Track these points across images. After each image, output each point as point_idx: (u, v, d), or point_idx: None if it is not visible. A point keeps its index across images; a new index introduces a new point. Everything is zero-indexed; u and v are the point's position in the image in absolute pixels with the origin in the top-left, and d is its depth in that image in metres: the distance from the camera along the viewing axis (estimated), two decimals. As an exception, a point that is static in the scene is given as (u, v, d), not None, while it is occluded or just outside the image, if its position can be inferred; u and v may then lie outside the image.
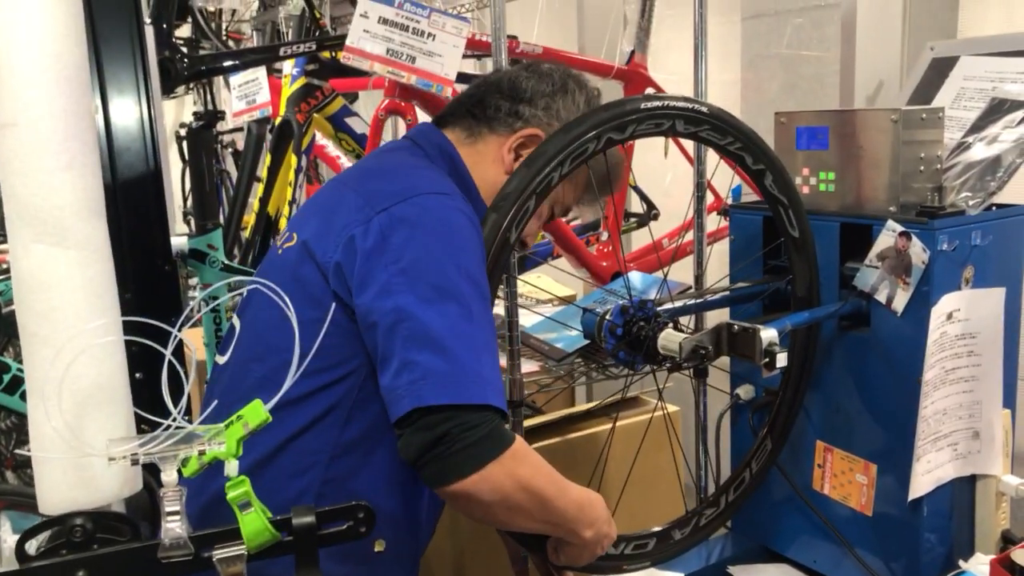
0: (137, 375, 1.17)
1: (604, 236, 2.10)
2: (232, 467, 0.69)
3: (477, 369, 1.01)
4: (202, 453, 0.68)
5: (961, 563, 1.29)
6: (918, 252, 1.31)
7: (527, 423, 2.09)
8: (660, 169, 2.62)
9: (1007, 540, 1.43)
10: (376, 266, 1.06)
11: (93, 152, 0.68)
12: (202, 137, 1.53)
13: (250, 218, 2.29)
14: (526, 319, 1.83)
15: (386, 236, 1.06)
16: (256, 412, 0.69)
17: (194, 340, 2.19)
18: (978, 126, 1.44)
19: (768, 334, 1.22)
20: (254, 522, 0.68)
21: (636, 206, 2.46)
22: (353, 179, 1.23)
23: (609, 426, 2.03)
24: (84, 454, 0.66)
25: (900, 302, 1.34)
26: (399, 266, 1.05)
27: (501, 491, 1.01)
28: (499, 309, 1.49)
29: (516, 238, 1.17)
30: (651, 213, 2.38)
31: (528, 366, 1.70)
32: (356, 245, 1.07)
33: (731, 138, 1.31)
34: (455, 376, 0.99)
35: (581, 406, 2.16)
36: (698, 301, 1.49)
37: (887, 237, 1.34)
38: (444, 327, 1.01)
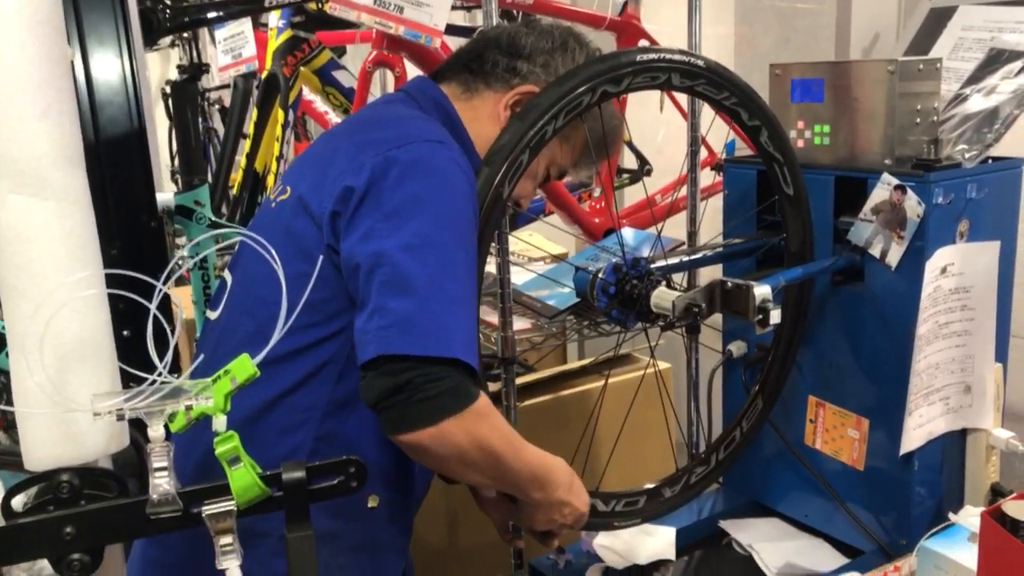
0: (125, 332, 1.15)
1: (596, 192, 2.08)
2: (220, 422, 0.68)
3: (449, 322, 0.99)
4: (189, 408, 0.66)
5: (951, 516, 1.30)
6: (913, 206, 1.30)
7: (519, 381, 2.09)
8: (654, 124, 2.59)
9: (996, 493, 1.44)
10: (364, 210, 1.04)
11: (70, 100, 0.65)
12: (186, 91, 1.50)
13: (238, 175, 2.25)
14: (518, 276, 1.82)
15: (376, 180, 1.05)
16: (244, 367, 0.68)
17: (183, 299, 2.17)
18: (976, 77, 1.42)
19: (762, 290, 1.21)
20: (243, 477, 0.68)
21: (629, 162, 2.44)
22: (347, 130, 1.21)
23: (601, 383, 2.03)
24: (68, 409, 0.65)
25: (894, 256, 1.33)
26: (384, 211, 1.03)
27: (457, 447, 1.00)
28: (491, 267, 1.48)
29: (509, 193, 1.15)
30: (644, 169, 2.36)
31: (520, 323, 1.69)
32: (351, 192, 1.05)
33: (727, 93, 1.29)
34: (425, 327, 0.98)
35: (573, 363, 2.16)
36: (691, 258, 1.48)
37: (882, 190, 1.33)
38: (422, 276, 1.00)
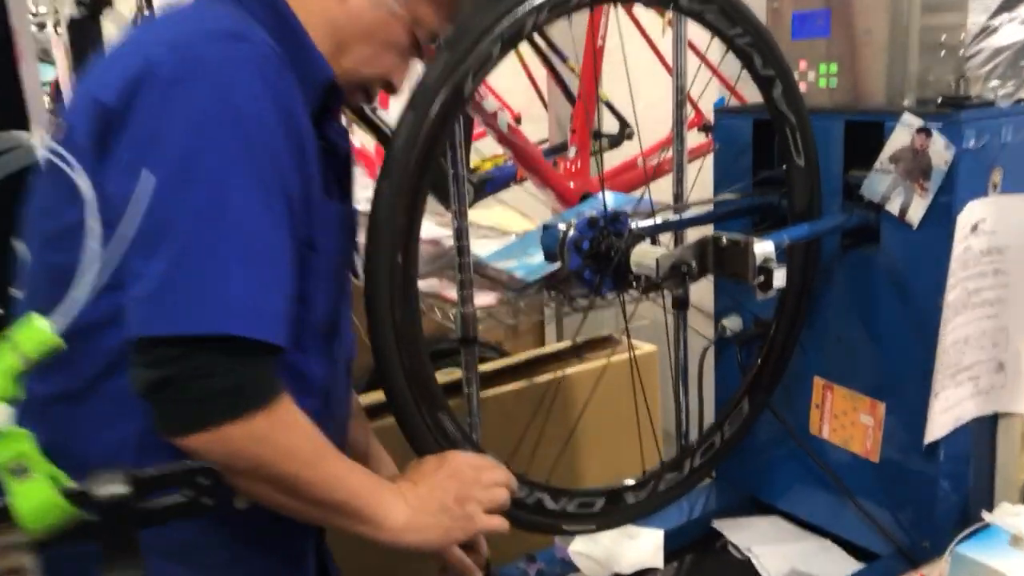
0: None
1: (571, 153, 1.88)
2: (3, 414, 0.47)
3: (219, 283, 0.78)
4: (-48, 396, 0.46)
5: (985, 514, 1.12)
6: (940, 151, 1.12)
7: (489, 366, 1.91)
8: (640, 88, 2.39)
9: (1032, 487, 1.27)
10: (117, 136, 0.82)
11: None
12: (85, 29, 1.28)
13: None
14: (483, 247, 1.62)
15: (133, 95, 0.81)
16: (34, 333, 0.47)
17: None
18: (1007, 5, 1.24)
19: (763, 248, 1.02)
20: (36, 494, 0.47)
21: (610, 126, 2.25)
22: (128, 35, 0.98)
23: (582, 367, 1.87)
24: None
25: (916, 212, 1.16)
26: (141, 136, 0.81)
27: (241, 457, 0.80)
28: (447, 233, 1.28)
29: (471, 90, 0.94)
30: (625, 132, 2.17)
31: (483, 298, 1.49)
32: (101, 107, 0.83)
33: (740, 29, 1.14)
34: (185, 294, 0.77)
35: (550, 346, 1.99)
36: (679, 217, 1.29)
37: (903, 134, 1.15)
38: (186, 223, 0.78)
